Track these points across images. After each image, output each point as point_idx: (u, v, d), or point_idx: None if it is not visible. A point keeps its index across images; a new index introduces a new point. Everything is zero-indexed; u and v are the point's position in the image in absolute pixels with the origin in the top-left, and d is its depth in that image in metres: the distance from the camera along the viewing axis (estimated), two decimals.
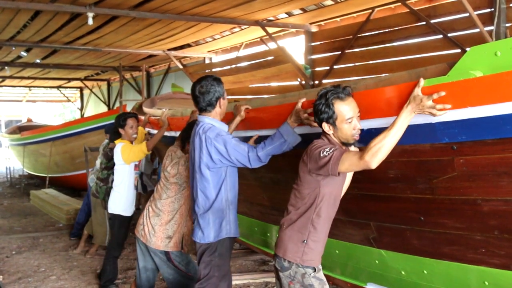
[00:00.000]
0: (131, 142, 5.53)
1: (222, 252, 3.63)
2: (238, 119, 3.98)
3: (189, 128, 4.30)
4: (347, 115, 2.90)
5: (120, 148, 5.37)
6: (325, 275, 3.21)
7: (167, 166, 4.36)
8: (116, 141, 5.64)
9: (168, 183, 4.35)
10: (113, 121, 7.20)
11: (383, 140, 2.65)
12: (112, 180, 5.68)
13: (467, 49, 4.37)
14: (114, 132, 5.99)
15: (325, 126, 2.97)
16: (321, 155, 2.85)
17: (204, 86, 3.58)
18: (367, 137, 2.89)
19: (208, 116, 3.63)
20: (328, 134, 3.01)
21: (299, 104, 3.38)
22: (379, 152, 2.65)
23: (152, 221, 4.35)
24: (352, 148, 3.07)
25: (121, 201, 5.46)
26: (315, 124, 3.12)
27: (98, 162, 6.57)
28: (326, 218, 3.08)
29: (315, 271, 3.07)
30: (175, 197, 4.34)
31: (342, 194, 3.22)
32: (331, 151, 2.83)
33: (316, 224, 3.04)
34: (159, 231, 4.30)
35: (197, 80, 3.67)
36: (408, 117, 2.68)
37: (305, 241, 3.04)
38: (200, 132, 3.58)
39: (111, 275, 5.59)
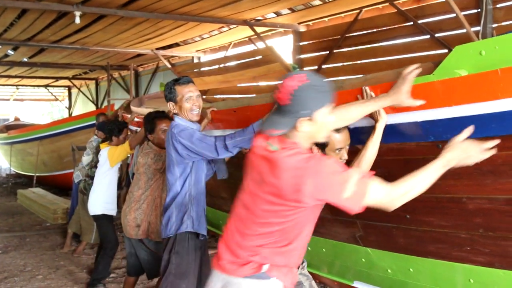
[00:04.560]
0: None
1: (179, 250, 3.61)
2: (205, 121, 4.08)
3: (148, 120, 4.43)
4: None
5: (107, 152, 5.38)
6: (312, 273, 3.22)
7: (139, 156, 4.48)
8: (102, 145, 5.62)
9: (138, 173, 4.45)
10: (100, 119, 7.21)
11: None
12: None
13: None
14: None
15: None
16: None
17: (166, 89, 3.64)
18: (353, 137, 2.90)
19: (178, 116, 3.63)
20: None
21: None
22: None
23: (126, 211, 4.48)
24: None
25: (103, 201, 5.45)
26: None
27: (84, 159, 6.52)
28: None
29: None
30: (145, 188, 4.43)
31: None
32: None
33: None
34: (130, 220, 4.43)
35: None
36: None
37: None
38: (168, 130, 3.63)
39: (101, 274, 5.54)
